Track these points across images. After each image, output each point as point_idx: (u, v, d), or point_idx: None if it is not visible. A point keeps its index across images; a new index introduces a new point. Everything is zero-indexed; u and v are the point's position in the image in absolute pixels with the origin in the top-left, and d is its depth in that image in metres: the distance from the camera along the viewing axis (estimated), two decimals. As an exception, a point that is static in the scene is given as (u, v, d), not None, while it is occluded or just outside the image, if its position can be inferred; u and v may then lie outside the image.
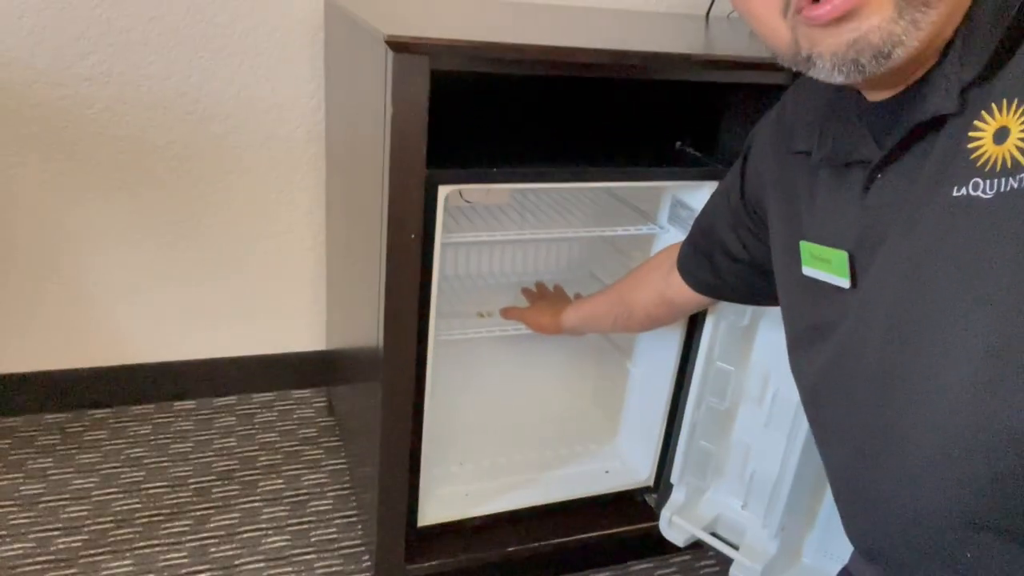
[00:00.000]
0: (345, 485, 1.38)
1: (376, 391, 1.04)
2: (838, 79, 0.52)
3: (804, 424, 0.97)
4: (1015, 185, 0.47)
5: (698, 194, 1.10)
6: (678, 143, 1.16)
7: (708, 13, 1.44)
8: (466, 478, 1.25)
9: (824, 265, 0.63)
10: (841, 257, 0.61)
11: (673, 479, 1.16)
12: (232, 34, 1.30)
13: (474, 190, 1.19)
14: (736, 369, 1.07)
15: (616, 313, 1.10)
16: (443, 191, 0.92)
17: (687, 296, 0.98)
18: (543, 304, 1.26)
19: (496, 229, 1.18)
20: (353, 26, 1.03)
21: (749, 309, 1.05)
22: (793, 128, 0.70)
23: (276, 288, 1.54)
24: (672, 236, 1.17)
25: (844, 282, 0.61)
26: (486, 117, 1.15)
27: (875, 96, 0.59)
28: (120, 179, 1.35)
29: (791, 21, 0.52)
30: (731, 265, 0.87)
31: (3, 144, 1.26)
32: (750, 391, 1.09)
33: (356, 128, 1.09)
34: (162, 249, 1.43)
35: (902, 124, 0.54)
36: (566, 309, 1.19)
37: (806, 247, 0.65)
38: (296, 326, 1.59)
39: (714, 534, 1.12)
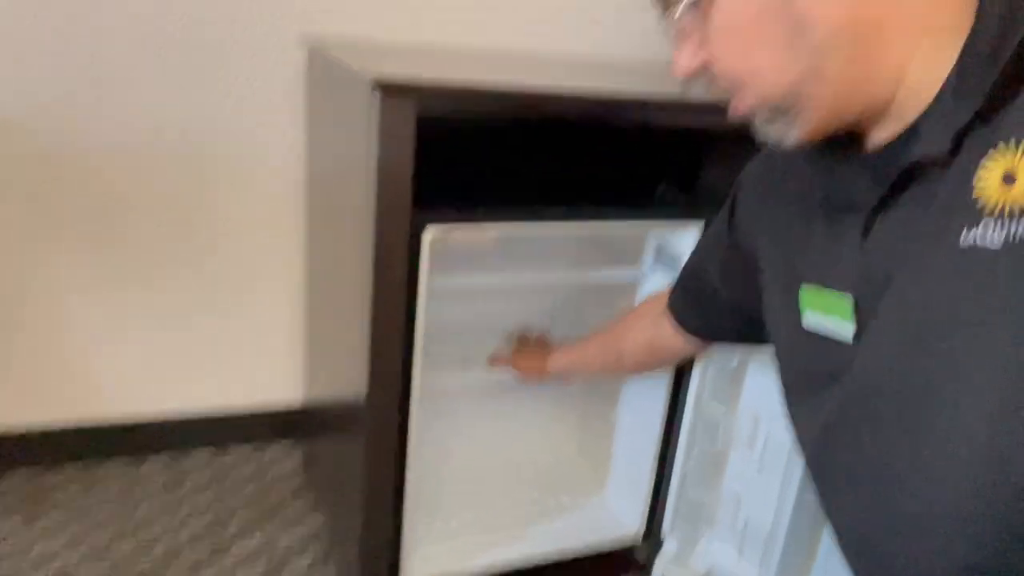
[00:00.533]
0: (323, 545, 1.33)
1: (358, 445, 1.01)
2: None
3: (798, 469, 0.96)
4: None
5: (682, 237, 1.10)
6: (660, 186, 1.17)
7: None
8: (451, 533, 1.21)
9: (827, 311, 0.61)
10: (846, 301, 0.59)
11: (664, 529, 1.13)
12: (215, 80, 1.30)
13: (460, 232, 1.18)
14: (726, 412, 1.06)
15: (604, 359, 1.09)
16: (430, 232, 0.91)
17: (677, 341, 0.96)
18: (529, 350, 1.25)
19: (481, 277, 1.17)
20: (339, 71, 1.04)
21: (738, 351, 1.05)
22: (785, 169, 0.70)
23: (253, 339, 1.50)
24: (656, 282, 1.17)
25: (849, 328, 0.59)
26: (472, 161, 1.15)
27: (873, 137, 0.58)
28: (92, 225, 1.32)
29: None
30: (721, 308, 0.87)
31: (-25, 193, 1.24)
32: (741, 435, 1.08)
33: (340, 172, 1.08)
34: (134, 298, 1.39)
35: (896, 167, 0.54)
36: (553, 354, 1.18)
37: (807, 291, 0.63)
38: (273, 378, 1.55)
39: (709, 586, 1.09)
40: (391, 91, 0.81)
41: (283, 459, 1.54)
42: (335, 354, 1.20)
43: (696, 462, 1.09)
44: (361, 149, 0.89)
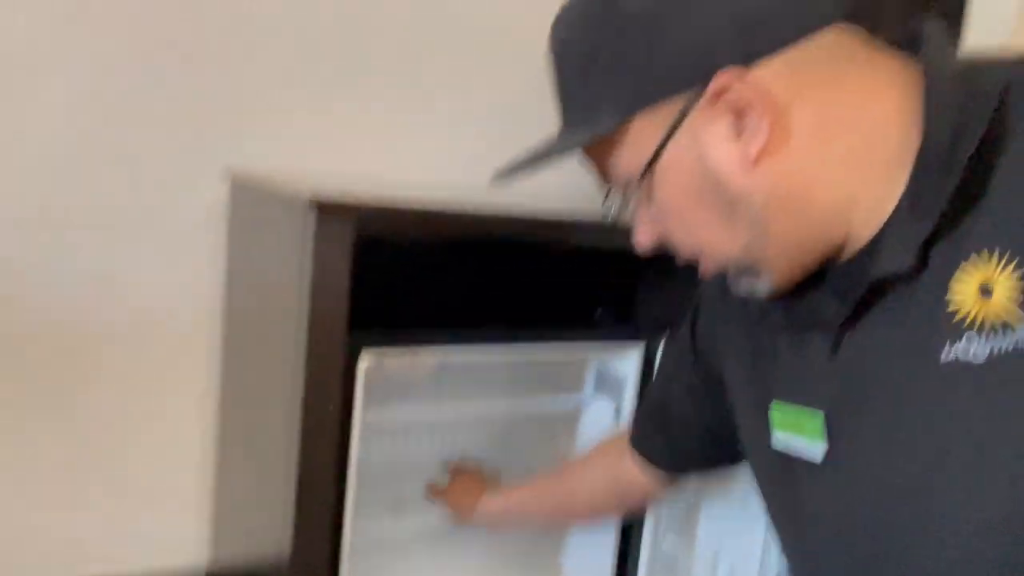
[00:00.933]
0: None
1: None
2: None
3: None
4: (1009, 348, 0.45)
5: (623, 362, 1.08)
6: (598, 311, 1.16)
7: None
8: None
9: (797, 431, 0.59)
10: (816, 419, 0.57)
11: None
12: (128, 214, 1.23)
13: (397, 359, 1.12)
14: (685, 547, 0.99)
15: (552, 505, 1.00)
16: (365, 358, 0.85)
17: (643, 480, 0.89)
18: (463, 485, 1.13)
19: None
20: (268, 196, 1.00)
21: (691, 485, 1.00)
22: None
23: (153, 490, 1.34)
24: (598, 408, 1.13)
25: (820, 447, 0.57)
26: (409, 285, 1.11)
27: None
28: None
29: None
30: (691, 434, 0.82)
31: None
32: (700, 573, 1.01)
33: (266, 305, 1.02)
34: (15, 437, 1.23)
35: (860, 284, 0.53)
36: (486, 494, 1.06)
37: (778, 409, 0.61)
38: (173, 538, 1.38)
39: None
40: (327, 210, 0.77)
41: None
42: (251, 507, 1.08)
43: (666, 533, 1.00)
44: (293, 273, 0.84)
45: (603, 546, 1.08)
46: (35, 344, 1.22)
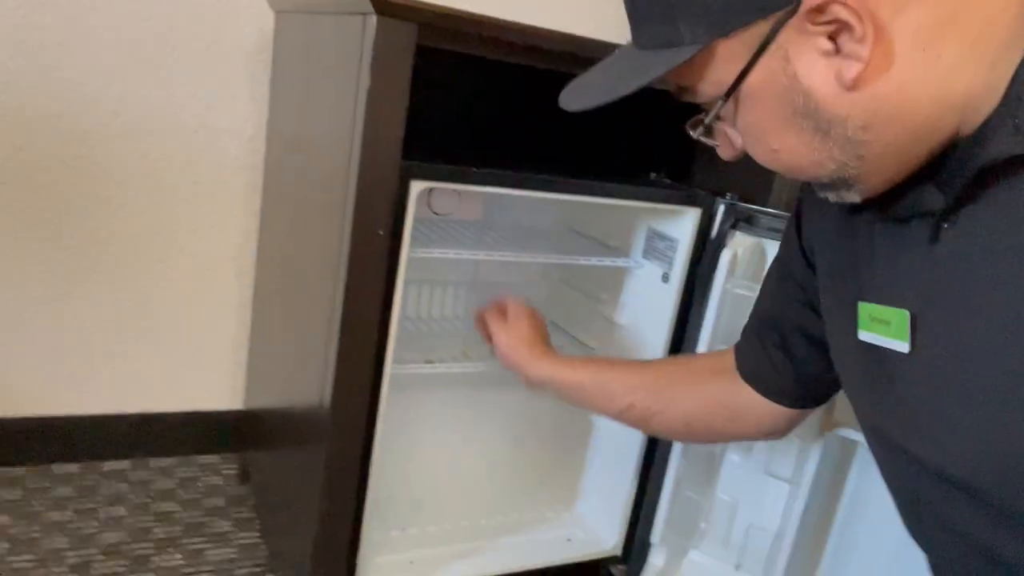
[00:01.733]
0: (259, 562, 1.17)
1: (318, 450, 0.88)
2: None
3: (810, 467, 0.88)
4: None
5: (677, 222, 1.03)
6: (652, 174, 1.11)
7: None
8: (409, 545, 1.08)
9: (883, 328, 0.56)
10: (902, 317, 0.54)
11: (653, 540, 1.03)
12: (167, 47, 1.18)
13: (447, 193, 1.08)
14: (703, 501, 0.97)
15: (639, 404, 0.82)
16: (416, 187, 0.81)
17: (763, 412, 0.77)
18: (520, 327, 0.93)
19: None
20: (321, 9, 0.94)
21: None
22: None
23: (188, 335, 1.35)
24: (647, 271, 1.09)
25: (903, 346, 0.54)
26: (465, 113, 1.05)
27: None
28: (14, 197, 1.16)
29: None
30: (814, 350, 0.72)
31: None
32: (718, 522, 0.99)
33: (316, 128, 0.97)
34: (58, 282, 1.23)
35: (966, 170, 0.49)
36: (550, 355, 0.90)
37: (864, 308, 0.58)
38: (209, 381, 1.39)
39: (699, 605, 0.99)
40: (390, 11, 0.72)
41: (214, 472, 1.38)
42: (292, 352, 1.07)
43: (691, 464, 0.99)
44: (345, 88, 0.79)
45: (626, 471, 1.08)
46: (75, 185, 1.19)
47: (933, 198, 0.52)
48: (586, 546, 1.14)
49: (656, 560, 1.02)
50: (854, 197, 0.55)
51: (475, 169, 0.85)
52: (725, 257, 0.94)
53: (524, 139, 1.14)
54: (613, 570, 1.12)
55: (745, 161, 1.11)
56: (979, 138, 0.48)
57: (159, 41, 1.17)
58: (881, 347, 0.56)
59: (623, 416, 0.84)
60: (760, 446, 0.97)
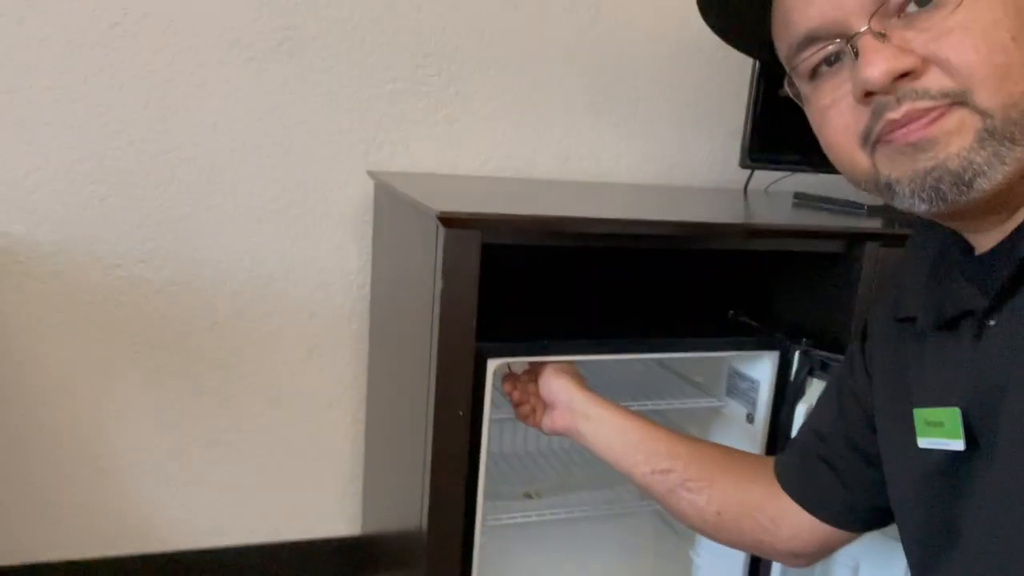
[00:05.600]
0: None
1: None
2: (921, 207, 0.51)
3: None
4: None
5: (756, 364, 1.05)
6: (731, 312, 1.13)
7: (746, 187, 1.47)
8: None
9: (938, 431, 0.55)
10: (953, 415, 0.54)
11: None
12: (285, 218, 1.34)
13: (524, 364, 1.15)
14: (821, 564, 0.96)
15: (678, 471, 0.78)
16: (492, 364, 0.89)
17: (795, 525, 0.74)
18: (568, 366, 0.92)
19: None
20: (404, 204, 1.06)
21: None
22: (900, 295, 0.66)
23: (312, 468, 1.47)
24: (731, 410, 1.11)
25: (958, 444, 0.53)
26: (535, 291, 1.14)
27: (981, 242, 0.55)
28: (162, 359, 1.34)
29: (870, 150, 0.52)
30: (860, 463, 0.70)
31: (55, 326, 1.28)
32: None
33: (404, 303, 1.08)
34: (197, 430, 1.39)
35: (1009, 263, 0.50)
36: (594, 396, 0.87)
37: (919, 414, 0.58)
38: (330, 509, 1.51)
39: None
40: (455, 223, 0.81)
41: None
42: (397, 484, 1.15)
43: None
44: (425, 279, 0.89)
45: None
46: (213, 344, 1.36)
47: (978, 297, 0.53)
48: None
49: None
50: (998, 171, 0.48)
51: (547, 342, 0.91)
52: (802, 409, 0.94)
53: (603, 300, 1.20)
54: None
55: (824, 299, 1.13)
56: (1018, 233, 0.50)
57: (279, 216, 1.34)
58: (939, 450, 0.55)
59: (654, 478, 0.79)
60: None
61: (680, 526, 1.24)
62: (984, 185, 0.48)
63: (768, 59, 0.60)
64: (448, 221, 0.81)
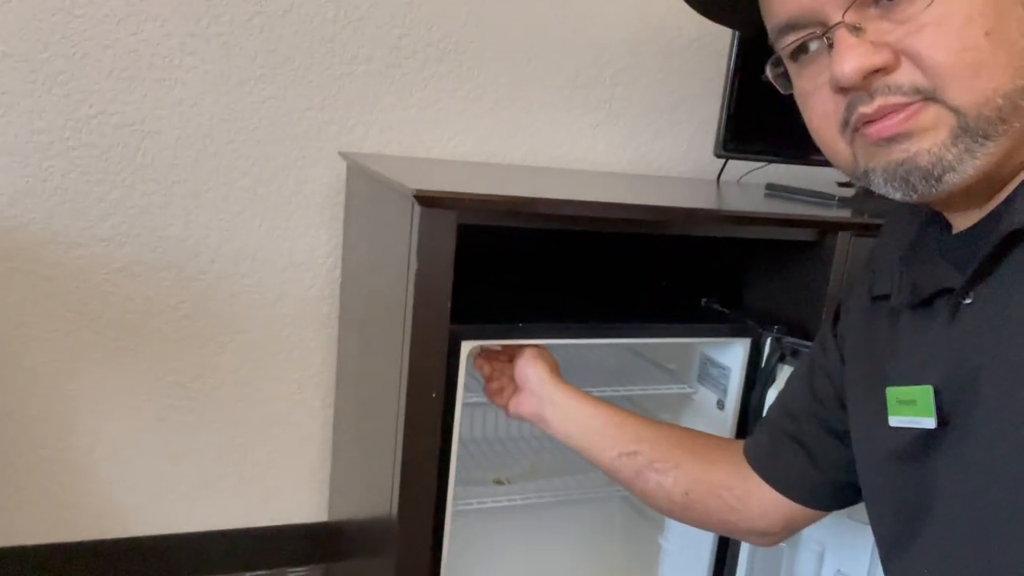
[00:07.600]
0: None
1: (387, 568, 0.94)
2: (895, 195, 0.52)
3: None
4: None
5: (728, 351, 1.05)
6: (703, 300, 1.13)
7: (719, 176, 1.48)
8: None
9: (910, 408, 0.56)
10: (926, 393, 0.54)
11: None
12: (253, 197, 1.31)
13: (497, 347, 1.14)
14: (787, 547, 0.97)
15: (644, 453, 0.79)
16: (466, 347, 0.88)
17: (761, 503, 0.74)
18: (542, 352, 0.91)
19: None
20: (378, 185, 1.04)
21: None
22: (876, 274, 0.66)
23: (279, 452, 1.45)
24: (702, 396, 1.11)
25: (930, 422, 0.54)
26: (508, 274, 1.13)
27: (960, 222, 0.56)
28: (125, 340, 1.31)
29: (849, 137, 0.53)
30: (831, 442, 0.71)
31: (14, 306, 1.24)
32: (803, 574, 0.99)
33: (376, 285, 1.06)
34: (161, 413, 1.36)
35: (989, 240, 0.50)
36: (564, 384, 0.87)
37: (892, 393, 0.58)
38: (297, 496, 1.49)
39: None
40: (431, 202, 0.80)
41: (304, 584, 1.45)
42: (366, 471, 1.14)
43: (762, 563, 0.99)
44: (399, 260, 0.88)
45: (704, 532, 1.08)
46: (177, 327, 1.33)
47: (953, 277, 0.53)
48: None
49: None
50: (970, 164, 0.49)
51: (520, 325, 0.91)
52: (772, 395, 0.95)
53: (576, 285, 1.20)
54: None
55: (795, 287, 1.14)
56: (1005, 210, 0.50)
57: (248, 194, 1.31)
58: (911, 428, 0.56)
59: (621, 462, 0.79)
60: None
61: (649, 511, 1.25)
62: (954, 179, 0.49)
63: (753, 35, 0.60)
64: (424, 200, 0.79)
